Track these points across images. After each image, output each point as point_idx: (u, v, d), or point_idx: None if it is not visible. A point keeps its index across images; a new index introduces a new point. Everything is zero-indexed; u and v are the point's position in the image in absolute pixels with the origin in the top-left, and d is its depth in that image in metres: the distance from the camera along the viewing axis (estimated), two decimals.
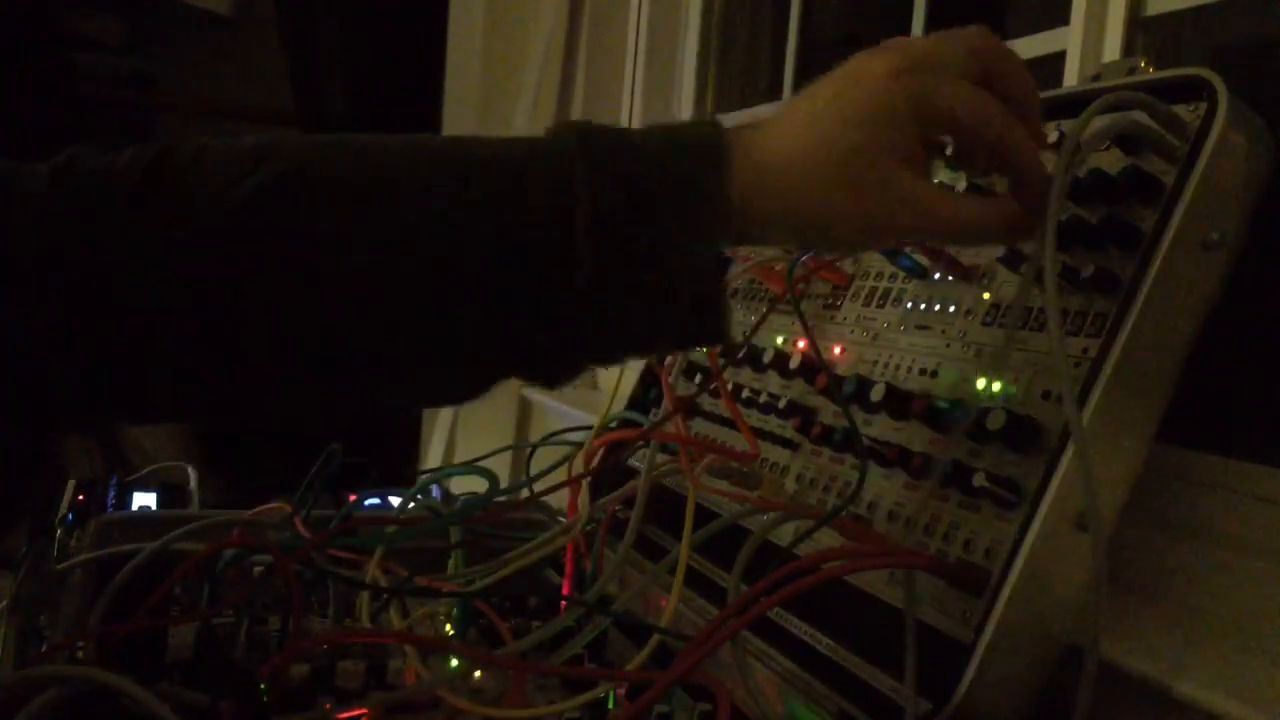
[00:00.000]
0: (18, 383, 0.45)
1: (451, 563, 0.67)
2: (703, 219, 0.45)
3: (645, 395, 0.85)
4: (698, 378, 0.79)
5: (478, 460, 0.75)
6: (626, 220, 0.44)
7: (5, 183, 0.45)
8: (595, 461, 0.68)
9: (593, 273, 0.44)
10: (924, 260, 0.62)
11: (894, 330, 0.63)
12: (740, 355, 0.71)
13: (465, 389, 0.50)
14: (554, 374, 0.48)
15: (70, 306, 0.44)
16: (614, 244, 0.44)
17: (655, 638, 0.57)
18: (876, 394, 0.58)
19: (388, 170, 0.46)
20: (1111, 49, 0.75)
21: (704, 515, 0.62)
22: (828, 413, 0.65)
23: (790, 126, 0.46)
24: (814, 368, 0.65)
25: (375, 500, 0.80)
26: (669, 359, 0.79)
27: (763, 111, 0.60)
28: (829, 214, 0.45)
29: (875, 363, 0.63)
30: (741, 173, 0.45)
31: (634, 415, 0.80)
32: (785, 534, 0.61)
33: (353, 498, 0.80)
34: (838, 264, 0.69)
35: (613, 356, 0.49)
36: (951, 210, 0.45)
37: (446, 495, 0.89)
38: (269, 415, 0.51)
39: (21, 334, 0.44)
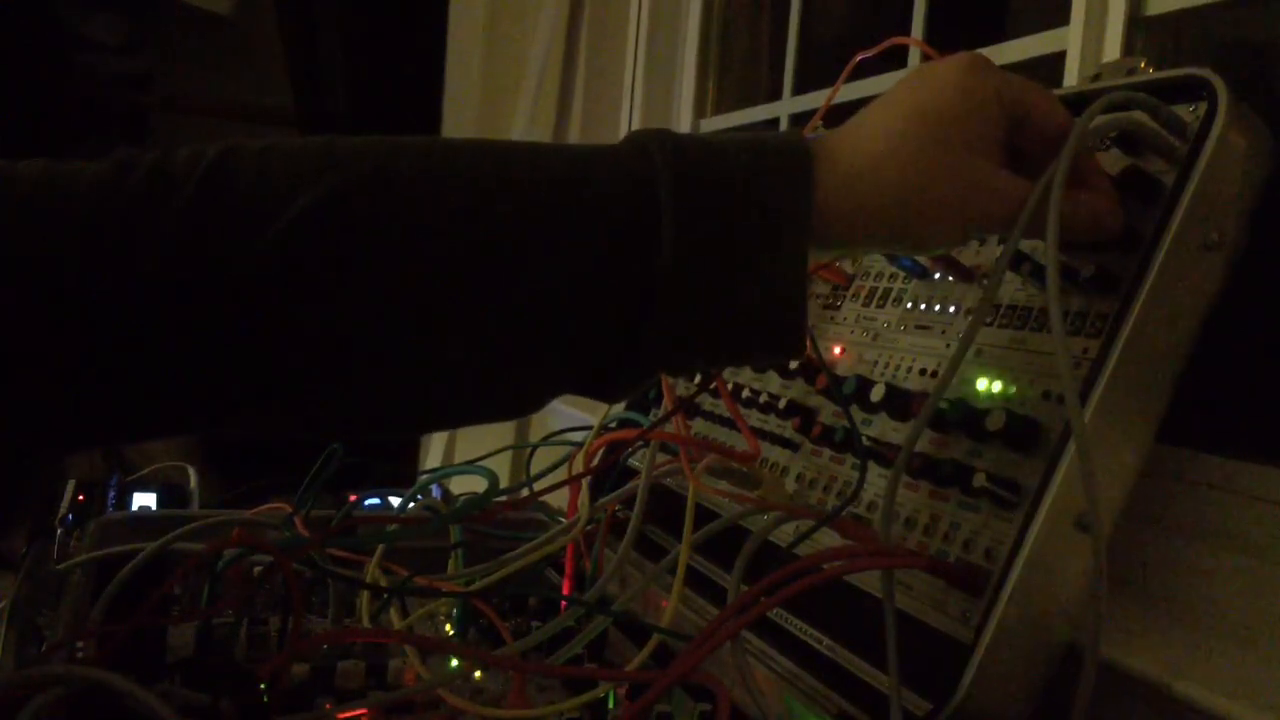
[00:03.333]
0: (54, 383, 0.43)
1: (451, 563, 0.67)
2: (787, 218, 0.44)
3: (645, 395, 0.85)
4: (697, 377, 0.79)
5: (478, 460, 0.75)
6: (710, 217, 0.43)
7: (45, 182, 0.44)
8: (595, 461, 0.68)
9: (674, 270, 0.43)
10: (924, 260, 0.62)
11: (894, 330, 0.63)
12: None
13: (524, 403, 0.48)
14: (618, 385, 0.47)
15: (112, 314, 0.42)
16: (696, 239, 0.43)
17: (655, 638, 0.57)
18: (876, 394, 0.58)
19: (453, 179, 0.45)
20: (1111, 49, 0.75)
21: (704, 515, 0.62)
22: (828, 413, 0.65)
23: (871, 127, 0.45)
24: (814, 368, 0.65)
25: (375, 500, 0.80)
26: None
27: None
28: (917, 210, 0.44)
29: (875, 363, 0.63)
30: (825, 175, 0.44)
31: (634, 415, 0.80)
32: (785, 534, 0.61)
33: (353, 498, 0.80)
34: (838, 264, 0.69)
35: (684, 363, 0.47)
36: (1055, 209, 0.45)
37: (446, 495, 0.89)
38: (317, 433, 0.48)
39: (63, 338, 0.42)
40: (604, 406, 0.77)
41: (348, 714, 0.52)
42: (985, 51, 0.90)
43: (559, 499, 0.73)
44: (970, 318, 0.57)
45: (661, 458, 0.69)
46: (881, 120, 0.46)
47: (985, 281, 0.58)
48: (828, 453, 0.63)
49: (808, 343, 0.46)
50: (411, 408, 0.48)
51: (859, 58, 0.73)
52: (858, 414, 0.60)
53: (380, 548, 0.66)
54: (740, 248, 0.43)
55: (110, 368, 0.43)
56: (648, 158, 0.44)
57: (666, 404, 0.70)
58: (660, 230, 0.43)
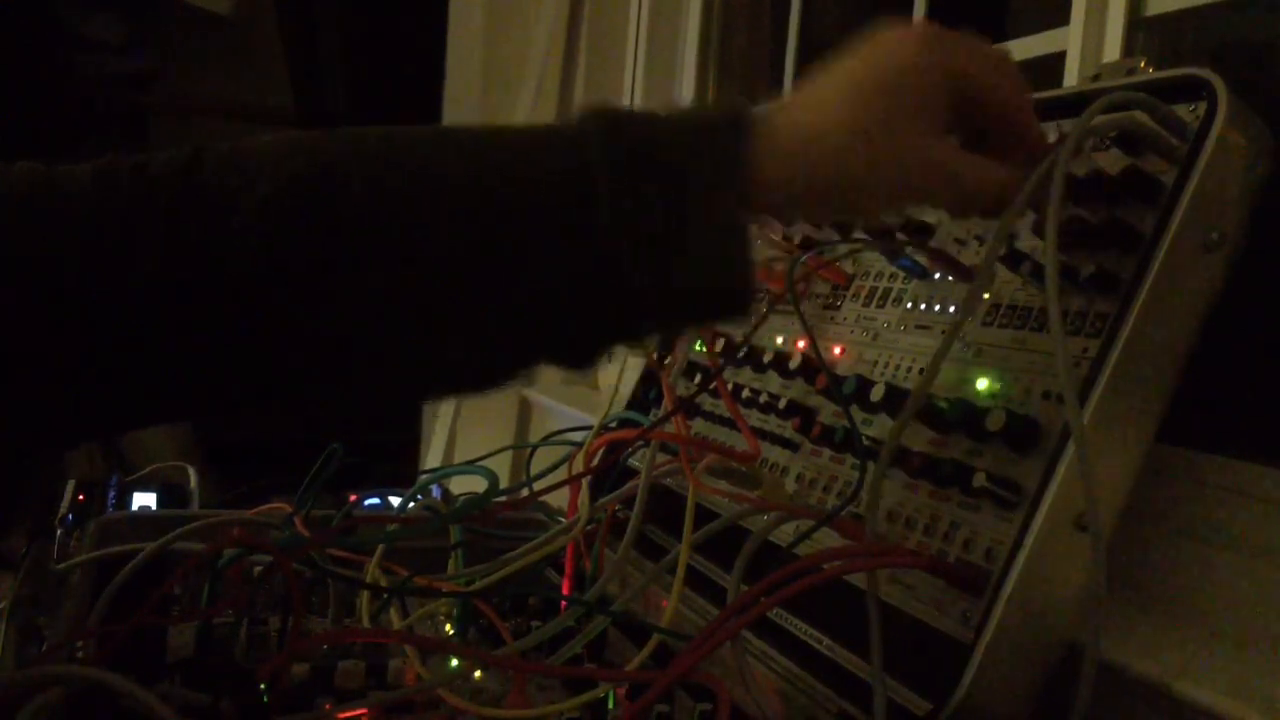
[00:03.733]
0: (55, 383, 0.45)
1: (451, 563, 0.67)
2: (722, 183, 0.44)
3: (645, 395, 0.85)
4: (698, 378, 0.79)
5: (478, 460, 0.75)
6: (645, 183, 0.44)
7: (43, 183, 0.45)
8: (595, 461, 0.68)
9: (611, 233, 0.44)
10: (924, 260, 0.62)
11: (894, 330, 0.63)
12: (740, 355, 0.71)
13: (491, 374, 0.50)
14: (581, 352, 0.48)
15: (114, 305, 0.43)
16: (633, 206, 0.44)
17: (655, 638, 0.57)
18: (876, 394, 0.58)
19: (416, 157, 0.46)
20: (1111, 49, 0.75)
21: (704, 515, 0.62)
22: (828, 413, 0.65)
23: (813, 97, 0.46)
24: (814, 368, 0.65)
25: (375, 500, 0.80)
26: (669, 359, 0.79)
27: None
28: (853, 179, 0.45)
29: (875, 363, 0.63)
30: (763, 141, 0.45)
31: (634, 415, 0.80)
32: (785, 534, 0.61)
33: (353, 498, 0.80)
34: (838, 264, 0.69)
35: (637, 326, 0.48)
36: (977, 174, 0.46)
37: (446, 495, 0.89)
38: (303, 408, 0.50)
39: (64, 337, 0.43)
40: (604, 407, 0.77)
41: (348, 714, 0.52)
42: None
43: (559, 499, 0.73)
44: (965, 313, 0.57)
45: (661, 458, 0.68)
46: (826, 93, 0.46)
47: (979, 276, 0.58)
48: (828, 453, 0.63)
49: (753, 298, 0.46)
50: (389, 381, 0.49)
51: None
52: (858, 414, 0.60)
53: (380, 548, 0.66)
54: (672, 195, 0.44)
55: (110, 366, 0.44)
56: (582, 122, 0.46)
57: (666, 404, 0.70)
58: (594, 183, 0.44)
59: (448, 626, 0.66)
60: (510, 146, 0.47)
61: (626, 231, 0.44)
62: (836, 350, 0.66)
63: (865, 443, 0.58)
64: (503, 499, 0.71)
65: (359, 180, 0.45)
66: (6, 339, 0.43)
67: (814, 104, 0.46)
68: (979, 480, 0.49)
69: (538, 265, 0.45)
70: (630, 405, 0.85)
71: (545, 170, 0.45)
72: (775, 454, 0.67)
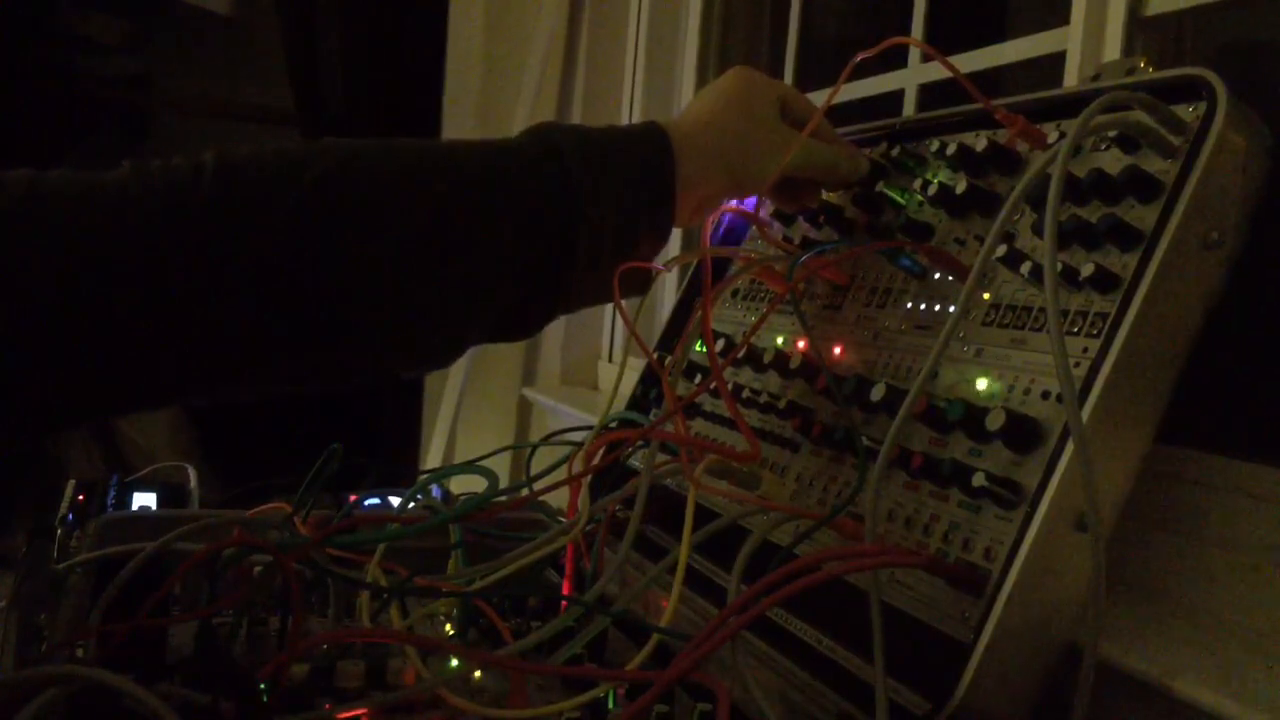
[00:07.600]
0: (103, 363, 0.54)
1: (451, 563, 0.67)
2: (653, 159, 0.64)
3: (645, 395, 0.85)
4: (698, 378, 0.79)
5: (478, 460, 0.75)
6: (600, 161, 0.62)
7: (83, 191, 0.54)
8: (595, 461, 0.68)
9: (579, 193, 0.61)
10: (924, 260, 0.62)
11: (894, 330, 0.63)
12: (740, 355, 0.71)
13: (462, 330, 0.64)
14: (536, 308, 0.65)
15: (157, 298, 0.53)
16: (591, 179, 0.62)
17: (655, 638, 0.57)
18: (876, 394, 0.58)
19: (407, 161, 0.61)
20: (1111, 49, 0.75)
21: (704, 515, 0.62)
22: (828, 413, 0.65)
23: (701, 105, 0.68)
24: (814, 368, 0.65)
25: (375, 500, 0.80)
26: (669, 359, 0.79)
27: None
28: (739, 149, 0.66)
29: (875, 363, 0.63)
30: (673, 134, 0.65)
31: (634, 415, 0.80)
32: (785, 534, 0.61)
33: (353, 498, 0.79)
34: (839, 266, 0.69)
35: (590, 262, 0.63)
36: (819, 149, 0.67)
37: (446, 495, 0.89)
38: (320, 381, 0.63)
39: (111, 324, 0.53)
40: (604, 407, 0.77)
41: (348, 714, 0.51)
42: (985, 51, 0.91)
43: (559, 499, 0.73)
44: (970, 314, 0.57)
45: (661, 458, 0.68)
46: (704, 102, 0.68)
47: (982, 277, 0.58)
48: (828, 453, 0.63)
49: (668, 235, 0.66)
50: (381, 354, 0.63)
51: (859, 58, 0.72)
52: (858, 414, 0.60)
53: (380, 548, 0.66)
54: (620, 165, 0.64)
55: (122, 356, 0.54)
56: (545, 126, 0.64)
57: (667, 404, 0.70)
58: (562, 160, 0.62)
59: (448, 626, 0.66)
60: (481, 146, 0.64)
61: (585, 185, 0.61)
62: (836, 350, 0.66)
63: (865, 443, 0.58)
64: (503, 499, 0.71)
65: (367, 177, 0.59)
66: (17, 335, 0.50)
67: (701, 108, 0.67)
68: (979, 480, 0.49)
69: (505, 225, 0.61)
70: (630, 405, 0.85)
71: (518, 145, 0.63)
72: (775, 454, 0.67)
